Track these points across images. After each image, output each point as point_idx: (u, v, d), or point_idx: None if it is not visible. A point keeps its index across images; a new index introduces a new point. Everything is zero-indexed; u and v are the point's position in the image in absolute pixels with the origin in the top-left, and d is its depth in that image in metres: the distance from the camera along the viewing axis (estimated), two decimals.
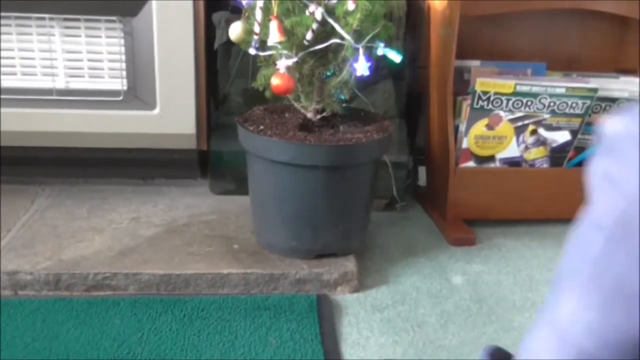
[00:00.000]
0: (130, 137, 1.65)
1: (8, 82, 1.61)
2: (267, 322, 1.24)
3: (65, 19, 1.59)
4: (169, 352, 1.14)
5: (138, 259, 1.36)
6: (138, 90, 1.64)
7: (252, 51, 1.31)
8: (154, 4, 1.55)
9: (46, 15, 1.57)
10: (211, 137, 1.73)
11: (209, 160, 1.75)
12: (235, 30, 1.33)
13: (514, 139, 1.64)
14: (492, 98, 1.58)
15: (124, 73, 1.63)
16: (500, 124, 1.62)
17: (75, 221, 1.54)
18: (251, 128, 1.35)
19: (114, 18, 1.58)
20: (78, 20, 1.59)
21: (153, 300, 1.29)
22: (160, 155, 1.71)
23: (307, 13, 1.21)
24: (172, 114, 1.64)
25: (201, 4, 1.60)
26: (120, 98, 1.63)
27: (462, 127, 1.64)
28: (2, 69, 1.60)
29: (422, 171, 1.90)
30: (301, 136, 1.31)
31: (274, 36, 1.20)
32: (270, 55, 1.30)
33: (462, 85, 1.68)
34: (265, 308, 1.29)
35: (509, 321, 1.31)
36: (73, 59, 1.63)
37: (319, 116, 1.38)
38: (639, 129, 0.51)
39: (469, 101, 1.61)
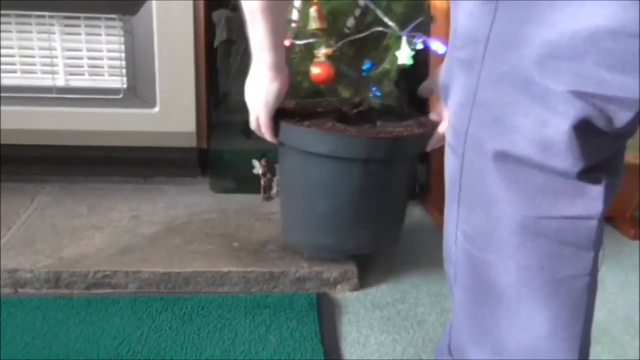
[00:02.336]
0: (130, 135, 1.65)
1: (8, 80, 1.61)
2: (267, 321, 1.24)
3: (65, 17, 1.59)
4: (168, 351, 1.14)
5: (138, 257, 1.36)
6: (138, 89, 1.64)
7: (286, 42, 1.22)
8: (154, 2, 1.55)
9: (46, 14, 1.57)
10: (211, 136, 1.73)
11: (209, 159, 1.75)
12: None
13: None
14: None
15: (124, 71, 1.63)
16: None
17: (75, 219, 1.54)
18: (286, 119, 1.25)
19: (114, 16, 1.58)
20: (78, 18, 1.59)
21: (153, 298, 1.30)
22: (160, 154, 1.70)
23: None
24: (172, 112, 1.64)
25: (201, 3, 1.60)
26: (120, 96, 1.63)
27: None
28: (2, 67, 1.60)
29: (421, 169, 1.90)
30: (340, 127, 1.22)
31: (314, 23, 1.13)
32: (306, 45, 1.22)
33: None
34: (265, 306, 1.29)
35: None
36: (73, 57, 1.63)
37: (355, 110, 1.30)
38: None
39: None
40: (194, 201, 1.68)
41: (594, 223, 0.54)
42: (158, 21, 1.57)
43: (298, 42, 1.23)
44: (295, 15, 1.21)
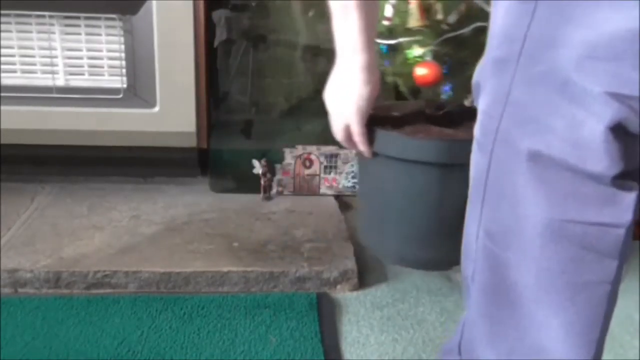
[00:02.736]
0: (130, 135, 1.65)
1: (8, 80, 1.61)
2: (267, 320, 1.24)
3: (66, 17, 1.59)
4: (168, 350, 1.14)
5: (138, 257, 1.37)
6: (138, 88, 1.64)
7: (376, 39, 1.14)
8: (154, 2, 1.55)
9: (46, 13, 1.57)
10: (211, 135, 1.73)
11: (209, 159, 1.75)
12: None
13: None
14: None
15: (124, 71, 1.63)
16: None
17: (75, 219, 1.54)
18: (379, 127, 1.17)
19: (114, 16, 1.58)
20: (78, 18, 1.59)
21: (153, 298, 1.30)
22: (160, 153, 1.70)
23: None
24: (172, 111, 1.64)
25: (201, 2, 1.60)
26: (120, 96, 1.63)
27: None
28: (2, 66, 1.60)
29: None
30: (449, 132, 1.14)
31: (414, 19, 1.05)
32: (399, 44, 1.13)
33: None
34: (265, 306, 1.29)
35: None
36: (73, 56, 1.63)
37: (441, 112, 1.22)
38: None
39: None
40: (194, 201, 1.68)
41: (621, 232, 0.53)
42: (158, 21, 1.57)
43: (388, 41, 1.14)
44: (388, 11, 1.11)
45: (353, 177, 1.77)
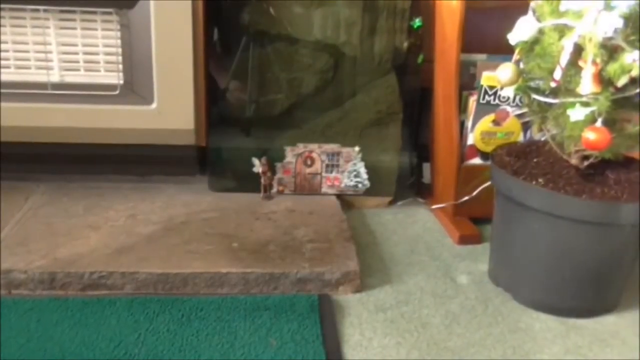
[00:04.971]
0: (127, 132, 1.65)
1: (1, 76, 1.61)
2: (267, 323, 1.24)
3: (61, 11, 1.59)
4: (166, 353, 1.14)
5: (135, 258, 1.36)
6: (135, 85, 1.63)
7: (538, 97, 1.24)
8: None
9: (41, 7, 1.57)
10: (210, 133, 1.73)
11: (208, 157, 1.75)
12: (507, 74, 1.26)
13: (521, 134, 1.64)
14: (498, 93, 1.57)
15: (121, 67, 1.62)
16: (507, 120, 1.62)
17: (70, 219, 1.54)
18: (529, 181, 1.29)
19: (110, 10, 1.58)
20: (74, 12, 1.59)
21: (150, 300, 1.29)
22: (158, 152, 1.70)
23: (629, 60, 1.09)
24: (170, 108, 1.64)
25: None
26: (117, 92, 1.63)
27: (468, 123, 1.63)
28: None
29: (426, 168, 1.90)
30: (609, 194, 1.25)
31: (588, 86, 1.10)
32: (560, 104, 1.21)
33: (468, 79, 1.67)
34: (265, 308, 1.29)
35: (515, 322, 1.31)
36: (68, 52, 1.62)
37: (586, 163, 1.30)
38: None
39: (475, 96, 1.61)
40: (192, 200, 1.68)
41: None
42: (156, 15, 1.56)
43: (549, 100, 1.22)
44: (557, 74, 1.17)
45: (355, 176, 1.77)
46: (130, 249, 1.40)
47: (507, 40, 1.27)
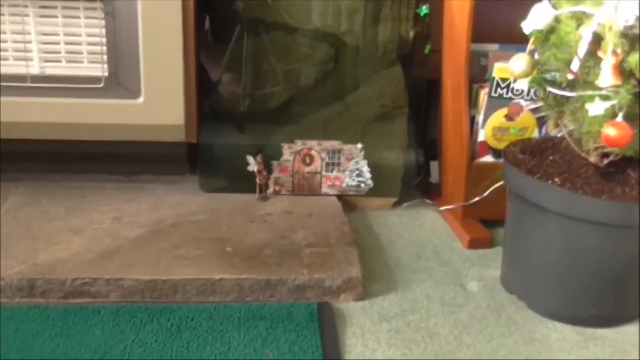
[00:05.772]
0: (112, 128, 1.65)
1: None
2: (263, 333, 1.24)
3: None
4: None
5: (121, 263, 1.36)
6: (121, 77, 1.64)
7: (555, 90, 1.24)
8: None
9: None
10: (201, 129, 1.73)
11: (199, 155, 1.75)
12: (520, 65, 1.25)
13: (537, 130, 1.64)
14: (512, 86, 1.57)
15: (105, 58, 1.62)
16: (521, 115, 1.62)
17: (52, 222, 1.54)
18: (544, 180, 1.29)
19: None
20: None
21: (137, 308, 1.29)
22: (146, 149, 1.71)
23: None
24: (159, 103, 1.64)
25: None
26: (101, 85, 1.63)
27: (479, 118, 1.63)
28: None
29: (434, 167, 1.90)
30: (630, 195, 1.25)
31: (608, 79, 1.09)
32: (578, 97, 1.21)
33: (479, 71, 1.67)
34: (261, 317, 1.28)
35: (530, 332, 1.30)
36: (49, 42, 1.62)
37: (606, 161, 1.30)
38: None
39: (486, 89, 1.61)
40: (182, 201, 1.68)
41: None
42: (143, 3, 1.56)
43: (565, 93, 1.23)
44: (575, 65, 1.17)
45: (358, 176, 1.77)
46: (115, 254, 1.40)
47: (521, 29, 1.27)
